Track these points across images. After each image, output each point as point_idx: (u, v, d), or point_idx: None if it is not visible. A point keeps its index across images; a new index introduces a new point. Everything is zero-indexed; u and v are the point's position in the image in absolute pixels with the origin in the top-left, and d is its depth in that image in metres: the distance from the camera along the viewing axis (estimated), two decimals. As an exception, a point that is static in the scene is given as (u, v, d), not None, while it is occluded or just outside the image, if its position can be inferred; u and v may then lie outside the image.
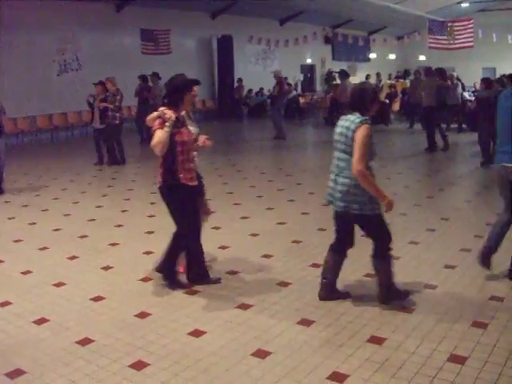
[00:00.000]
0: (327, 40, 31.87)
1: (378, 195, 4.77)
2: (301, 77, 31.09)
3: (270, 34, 26.33)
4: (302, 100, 26.39)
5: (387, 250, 5.01)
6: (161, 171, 5.44)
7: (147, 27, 21.65)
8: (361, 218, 4.87)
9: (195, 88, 5.55)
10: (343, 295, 5.27)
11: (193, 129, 5.63)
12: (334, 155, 4.97)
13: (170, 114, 5.24)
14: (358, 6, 27.26)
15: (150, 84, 17.33)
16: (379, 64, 34.42)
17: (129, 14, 21.18)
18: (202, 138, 5.69)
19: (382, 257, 5.01)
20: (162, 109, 5.32)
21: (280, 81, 17.90)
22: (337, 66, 32.19)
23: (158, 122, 5.27)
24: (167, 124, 5.20)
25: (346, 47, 31.45)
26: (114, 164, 13.23)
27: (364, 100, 4.88)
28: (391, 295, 5.10)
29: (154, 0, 20.87)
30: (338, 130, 4.92)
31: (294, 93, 26.78)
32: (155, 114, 5.35)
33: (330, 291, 5.23)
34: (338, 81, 21.29)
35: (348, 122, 4.81)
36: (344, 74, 17.97)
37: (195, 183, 5.45)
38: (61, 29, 19.22)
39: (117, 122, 13.06)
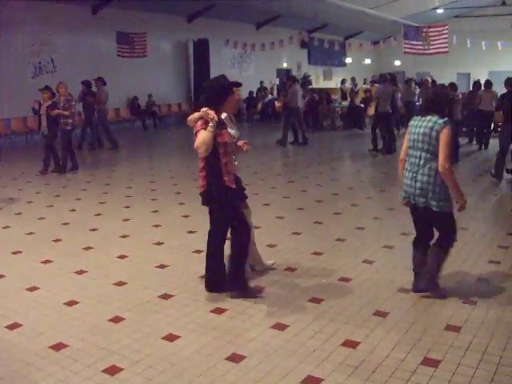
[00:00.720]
0: (303, 44, 32.04)
1: (458, 194, 5.14)
2: (277, 81, 31.16)
3: (247, 38, 26.40)
4: (277, 104, 26.43)
5: (452, 245, 5.33)
6: (203, 175, 5.34)
7: (123, 30, 21.58)
8: (437, 214, 5.13)
9: (237, 90, 5.51)
10: (441, 290, 5.39)
11: (233, 132, 5.50)
12: (410, 153, 5.24)
13: (213, 114, 5.13)
14: (334, 11, 27.42)
15: (94, 89, 16.71)
16: (355, 68, 34.68)
17: (105, 16, 21.08)
18: (241, 142, 5.60)
19: (445, 249, 5.30)
20: (204, 109, 5.17)
21: None
22: (313, 71, 32.41)
23: (200, 122, 5.15)
24: (211, 124, 5.09)
25: (322, 52, 31.67)
26: (65, 171, 12.63)
27: (442, 102, 5.18)
28: (430, 285, 5.31)
29: (130, 2, 20.78)
30: (418, 130, 5.15)
31: (270, 97, 26.84)
32: (196, 114, 5.23)
33: (428, 282, 5.33)
34: (314, 85, 21.46)
35: (431, 122, 5.07)
36: (293, 80, 18.12)
37: (235, 186, 5.35)
38: (36, 30, 19.07)
39: (68, 128, 12.58)
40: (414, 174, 5.16)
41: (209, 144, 5.07)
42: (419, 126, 5.16)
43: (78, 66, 19.99)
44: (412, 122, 5.32)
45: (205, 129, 5.10)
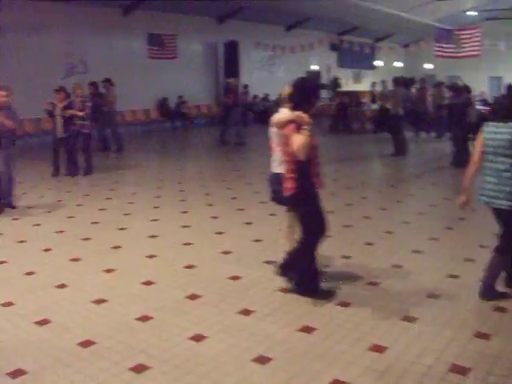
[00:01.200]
0: (333, 47, 31.89)
1: None
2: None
3: (276, 40, 26.40)
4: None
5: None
6: (291, 177, 5.26)
7: (154, 31, 21.73)
8: None
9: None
10: (500, 295, 5.37)
11: None
12: (490, 159, 5.24)
13: (307, 117, 5.11)
14: (365, 14, 27.27)
15: (103, 90, 16.36)
16: (385, 72, 34.42)
17: (136, 18, 21.25)
18: None
19: (506, 253, 5.31)
20: (297, 113, 5.14)
21: (234, 89, 17.99)
22: (342, 73, 32.25)
23: (292, 126, 5.10)
24: (306, 128, 5.05)
25: (352, 54, 31.50)
26: (87, 174, 12.43)
27: None
28: (490, 292, 5.34)
29: (160, 4, 20.91)
30: (500, 136, 5.15)
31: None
32: (286, 117, 5.23)
33: (487, 290, 5.35)
34: (344, 88, 21.35)
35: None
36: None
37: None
38: (68, 32, 19.29)
39: (86, 131, 12.29)
40: (496, 179, 5.17)
41: (308, 147, 5.02)
42: (500, 132, 5.15)
43: (109, 67, 20.17)
44: (488, 129, 5.29)
45: (298, 132, 5.05)
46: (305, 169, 5.19)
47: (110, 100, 16.23)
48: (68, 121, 11.99)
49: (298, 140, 5.00)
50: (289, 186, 5.29)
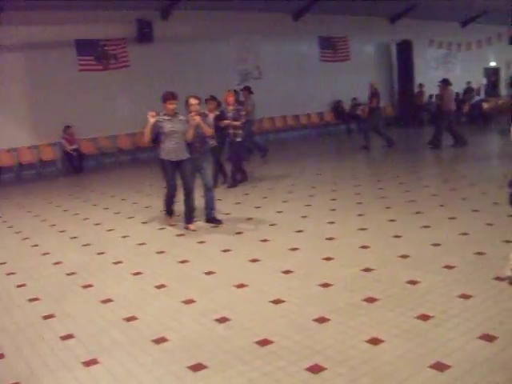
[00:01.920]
0: (513, 41, 30.27)
1: None
2: (484, 81, 29.77)
3: (452, 37, 25.58)
4: (485, 105, 25.22)
5: None
6: None
7: (325, 34, 21.89)
8: None
9: None
10: None
11: None
12: None
13: None
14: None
15: (242, 99, 15.72)
16: None
17: (306, 22, 21.52)
18: None
19: None
20: None
21: (375, 92, 17.32)
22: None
23: None
24: None
25: (536, 48, 29.72)
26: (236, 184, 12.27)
27: None
28: None
29: (330, 7, 21.01)
30: None
31: (477, 98, 25.69)
32: None
33: None
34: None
35: None
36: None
37: None
38: (242, 39, 19.96)
39: (239, 139, 12.00)
40: None
41: None
42: None
43: (283, 71, 20.64)
44: None
45: None
46: None
47: (248, 109, 15.73)
48: (221, 131, 11.73)
49: None
50: None
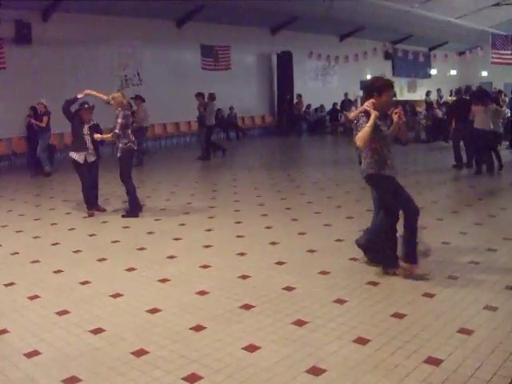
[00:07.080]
0: (387, 56, 31.63)
1: None
2: (361, 93, 30.87)
3: (330, 50, 26.35)
4: (350, 115, 26.07)
5: None
6: None
7: (207, 43, 21.94)
8: None
9: None
10: None
11: None
12: None
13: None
14: (419, 21, 27.02)
15: (134, 107, 15.82)
16: (440, 80, 33.94)
17: (189, 29, 21.51)
18: None
19: None
20: None
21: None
22: (397, 82, 31.89)
23: None
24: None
25: (407, 63, 31.23)
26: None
27: None
28: None
29: (214, 16, 21.12)
30: None
31: (353, 109, 26.60)
32: None
33: None
34: (398, 97, 21.06)
35: None
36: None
37: None
38: (123, 44, 19.66)
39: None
40: None
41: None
42: None
43: (163, 78, 20.46)
44: None
45: None
46: None
47: (141, 116, 16.09)
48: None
49: None
50: None
